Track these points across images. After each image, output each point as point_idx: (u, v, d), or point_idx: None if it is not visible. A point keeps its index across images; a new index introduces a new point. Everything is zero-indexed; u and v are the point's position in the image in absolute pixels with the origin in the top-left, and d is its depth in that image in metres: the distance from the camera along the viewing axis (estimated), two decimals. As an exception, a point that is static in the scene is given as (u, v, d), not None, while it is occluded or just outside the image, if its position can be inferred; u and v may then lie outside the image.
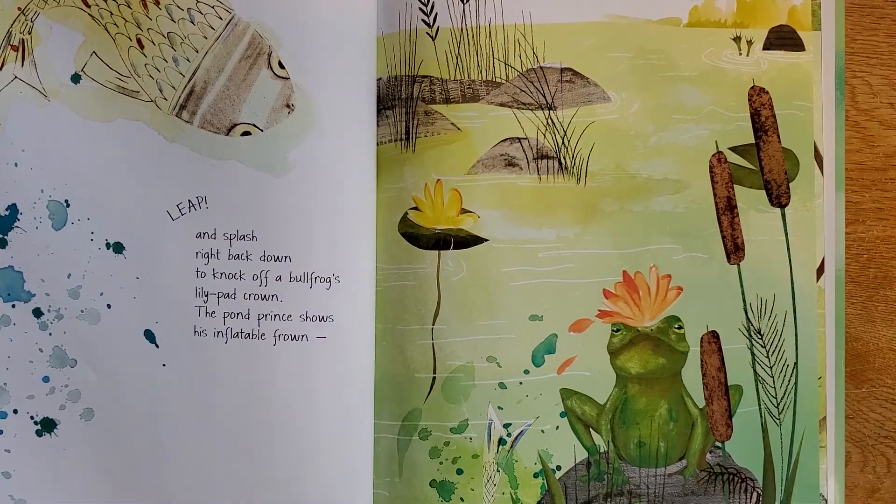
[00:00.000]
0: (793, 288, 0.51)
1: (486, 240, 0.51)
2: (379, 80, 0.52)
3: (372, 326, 0.52)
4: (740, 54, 0.52)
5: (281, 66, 0.51)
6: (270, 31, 0.51)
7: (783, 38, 0.52)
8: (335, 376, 0.51)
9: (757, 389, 0.51)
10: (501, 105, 0.51)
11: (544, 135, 0.51)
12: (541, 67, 0.51)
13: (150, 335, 0.51)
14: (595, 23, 0.51)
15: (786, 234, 0.52)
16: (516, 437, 0.51)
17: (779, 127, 0.52)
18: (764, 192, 0.52)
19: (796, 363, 0.51)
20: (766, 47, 0.52)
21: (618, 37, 0.51)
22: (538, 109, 0.51)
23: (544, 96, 0.51)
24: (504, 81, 0.51)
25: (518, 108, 0.51)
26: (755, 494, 0.51)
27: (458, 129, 0.51)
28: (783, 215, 0.52)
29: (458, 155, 0.51)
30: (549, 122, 0.51)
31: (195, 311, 0.51)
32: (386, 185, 0.52)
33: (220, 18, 0.51)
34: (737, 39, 0.51)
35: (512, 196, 0.51)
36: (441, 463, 0.51)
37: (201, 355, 0.51)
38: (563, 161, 0.51)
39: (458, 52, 0.51)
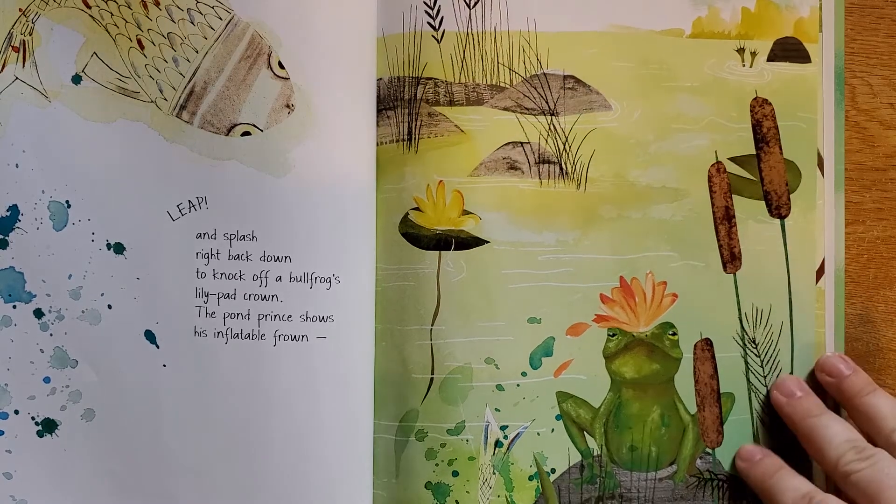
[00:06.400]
0: (790, 298, 0.52)
1: (487, 241, 0.51)
2: (379, 80, 0.51)
3: (372, 327, 0.52)
4: (743, 65, 0.51)
5: (281, 66, 0.51)
6: (270, 31, 0.50)
7: (788, 50, 0.51)
8: (335, 376, 0.51)
9: (749, 398, 0.52)
10: (505, 109, 0.51)
11: (546, 140, 0.51)
12: (544, 74, 0.51)
13: (150, 335, 0.51)
14: (599, 32, 0.51)
15: (784, 245, 0.52)
16: (513, 440, 0.51)
17: (781, 138, 0.51)
18: (763, 202, 0.52)
19: (791, 373, 0.52)
20: (770, 59, 0.51)
21: (621, 46, 0.51)
22: (541, 115, 0.51)
23: (547, 102, 0.51)
24: (508, 86, 0.51)
25: (521, 113, 0.51)
26: (744, 502, 0.52)
27: (462, 131, 0.51)
28: (783, 226, 0.52)
29: (461, 157, 0.51)
30: (551, 127, 0.51)
31: (195, 311, 0.51)
32: (386, 185, 0.52)
33: (220, 18, 0.50)
34: (740, 51, 0.51)
35: (513, 199, 0.51)
36: (437, 465, 0.51)
37: (201, 356, 0.51)
38: (563, 166, 0.51)
39: (464, 56, 0.51)
